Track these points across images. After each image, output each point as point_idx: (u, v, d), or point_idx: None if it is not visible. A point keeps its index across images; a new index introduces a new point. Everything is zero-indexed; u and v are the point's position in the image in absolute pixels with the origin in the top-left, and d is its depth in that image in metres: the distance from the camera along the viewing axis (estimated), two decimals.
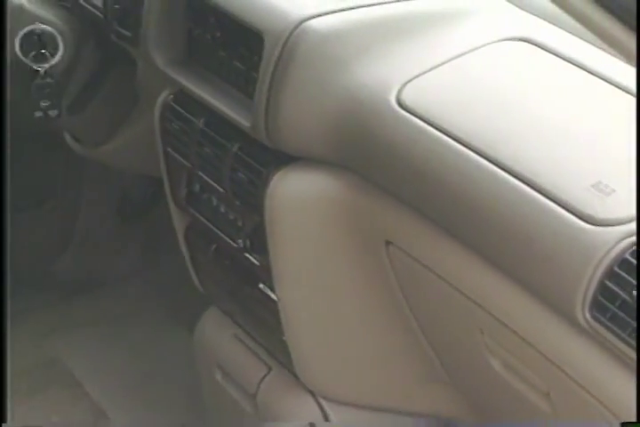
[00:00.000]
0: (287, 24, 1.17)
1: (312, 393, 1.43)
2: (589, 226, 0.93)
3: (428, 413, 1.45)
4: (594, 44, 1.18)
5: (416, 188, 1.11)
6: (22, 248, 2.05)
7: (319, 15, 1.18)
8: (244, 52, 1.27)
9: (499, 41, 1.19)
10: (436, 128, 1.07)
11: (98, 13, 1.48)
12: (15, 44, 1.45)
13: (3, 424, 1.06)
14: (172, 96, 1.40)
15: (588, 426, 1.10)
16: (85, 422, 1.78)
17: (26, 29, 1.45)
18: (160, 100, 1.41)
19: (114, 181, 2.07)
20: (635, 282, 0.89)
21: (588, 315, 0.93)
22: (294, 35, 1.16)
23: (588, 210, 0.94)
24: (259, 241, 1.31)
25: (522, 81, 1.13)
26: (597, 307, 0.92)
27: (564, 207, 0.95)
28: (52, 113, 1.51)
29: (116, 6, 1.43)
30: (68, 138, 1.75)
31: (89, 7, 1.50)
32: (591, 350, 0.98)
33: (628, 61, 1.15)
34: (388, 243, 1.20)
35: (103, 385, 1.88)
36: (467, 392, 1.36)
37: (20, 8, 1.46)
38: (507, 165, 1.01)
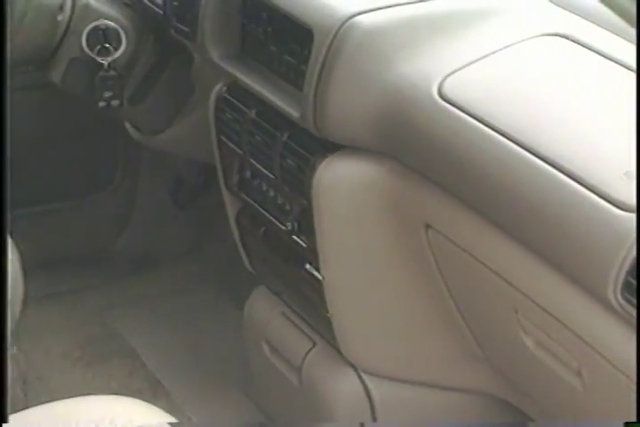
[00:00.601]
0: (335, 20, 1.17)
1: (354, 367, 1.43)
2: (622, 212, 0.93)
3: (462, 388, 1.45)
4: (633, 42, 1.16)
5: (455, 175, 1.11)
6: (84, 230, 2.08)
7: (365, 12, 1.17)
8: (294, 46, 1.27)
9: (536, 36, 1.18)
10: (476, 118, 1.07)
11: (158, 10, 1.49)
12: (82, 39, 1.46)
13: (3, 424, 1.00)
14: (225, 88, 1.40)
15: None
16: (142, 390, 1.79)
17: (91, 25, 1.46)
18: (214, 91, 1.42)
19: (168, 167, 2.07)
20: None
21: (619, 296, 0.93)
22: (342, 30, 1.16)
23: (622, 197, 0.93)
24: (305, 224, 1.31)
25: (558, 75, 1.12)
26: (628, 289, 0.91)
27: (597, 194, 0.95)
28: (115, 103, 1.52)
29: (175, 3, 1.44)
30: (128, 127, 1.76)
31: (149, 4, 1.51)
32: (621, 330, 0.97)
33: None
34: (427, 226, 1.20)
35: (158, 357, 1.88)
36: (501, 369, 1.36)
37: (86, 6, 1.47)
38: (543, 153, 1.00)
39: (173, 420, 1.23)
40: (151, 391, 1.78)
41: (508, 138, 1.03)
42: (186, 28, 1.42)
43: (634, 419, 0.93)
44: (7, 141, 1.04)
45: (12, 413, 1.22)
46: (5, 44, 1.09)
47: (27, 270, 1.54)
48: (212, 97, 1.42)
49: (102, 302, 2.01)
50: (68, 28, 1.46)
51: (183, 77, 1.57)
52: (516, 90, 1.11)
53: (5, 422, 0.96)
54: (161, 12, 1.48)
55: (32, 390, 1.65)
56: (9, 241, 1.55)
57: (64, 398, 1.24)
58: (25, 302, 1.55)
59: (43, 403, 1.24)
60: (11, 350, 1.56)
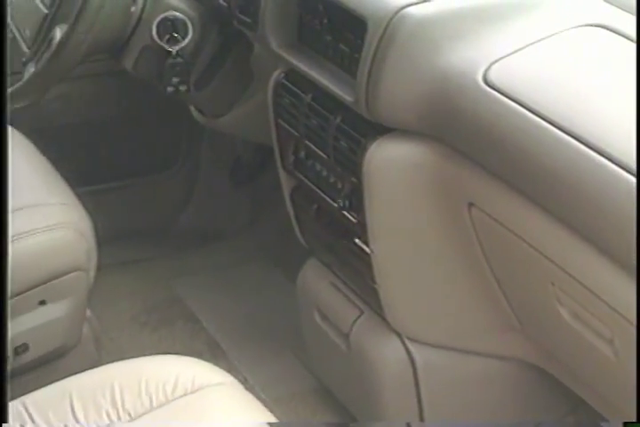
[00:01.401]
0: (387, 11, 1.15)
1: (398, 334, 1.43)
2: None
3: (499, 355, 1.44)
4: None
5: (498, 156, 1.09)
6: (150, 206, 2.10)
7: (416, 3, 1.16)
8: (348, 35, 1.26)
9: (577, 27, 1.15)
10: (519, 104, 1.05)
11: (222, 2, 1.48)
12: (152, 29, 1.46)
13: (3, 424, 0.95)
14: (283, 74, 1.40)
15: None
16: (203, 351, 1.80)
17: (161, 16, 1.46)
18: (273, 77, 1.41)
19: (228, 148, 2.09)
20: None
21: None
22: (394, 21, 1.14)
23: None
24: (356, 201, 1.31)
25: (597, 63, 1.10)
26: None
27: (632, 174, 0.93)
28: (182, 88, 1.52)
29: None
30: (192, 110, 1.76)
31: None
32: None
33: None
34: (470, 205, 1.19)
35: (218, 322, 1.90)
36: (536, 338, 1.35)
37: None
38: (583, 137, 0.99)
39: (232, 379, 1.24)
40: (210, 353, 1.80)
41: (549, 122, 1.01)
42: (248, 19, 1.42)
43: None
44: (7, 142, 0.99)
45: (87, 369, 1.25)
46: (5, 45, 1.05)
47: (100, 241, 1.57)
48: (271, 83, 1.41)
49: (167, 271, 2.03)
50: (140, 18, 1.47)
51: (244, 65, 1.57)
52: (557, 77, 1.09)
53: (5, 422, 0.91)
54: (225, 4, 1.47)
55: (104, 350, 1.68)
56: (84, 214, 1.57)
57: (133, 357, 1.26)
58: (98, 270, 1.57)
59: (114, 361, 1.25)
60: (83, 314, 1.59)
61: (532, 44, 1.13)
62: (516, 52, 1.12)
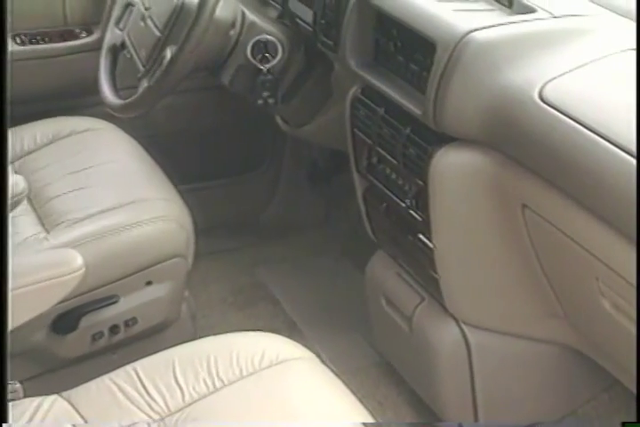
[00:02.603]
0: (455, 36, 1.16)
1: (455, 319, 1.43)
2: None
3: (543, 339, 1.43)
4: None
5: (549, 163, 1.09)
6: (239, 203, 2.10)
7: (479, 29, 1.16)
8: (418, 56, 1.26)
9: (620, 51, 1.15)
10: (571, 118, 1.05)
11: (308, 27, 1.50)
12: (247, 50, 1.48)
13: (3, 424, 0.86)
14: (360, 90, 1.40)
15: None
16: (281, 329, 1.81)
17: (255, 39, 1.47)
18: (351, 93, 1.42)
19: (306, 153, 2.08)
20: None
21: None
22: (460, 44, 1.15)
23: None
24: (421, 201, 1.30)
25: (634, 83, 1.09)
26: None
27: None
28: (271, 101, 1.52)
29: (322, 22, 1.44)
30: (278, 120, 1.77)
31: (302, 23, 1.52)
32: None
33: None
34: (524, 206, 1.18)
35: (295, 304, 1.90)
36: (577, 325, 1.34)
37: (253, 23, 1.49)
38: (626, 146, 0.98)
39: (310, 354, 1.25)
40: (288, 331, 1.80)
41: (597, 134, 1.01)
42: (330, 42, 1.43)
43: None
44: (7, 142, 0.92)
45: (185, 341, 1.27)
46: (5, 46, 0.97)
47: (196, 232, 1.58)
48: (349, 97, 1.42)
49: (252, 259, 2.03)
50: (237, 41, 1.48)
51: (325, 81, 1.57)
52: (604, 95, 1.08)
53: (5, 422, 0.83)
54: (310, 28, 1.49)
55: (199, 325, 1.69)
56: (184, 208, 1.59)
57: (222, 332, 1.27)
58: (195, 257, 1.59)
59: (207, 335, 1.27)
60: (182, 294, 1.61)
61: (581, 66, 1.13)
62: (567, 72, 1.12)
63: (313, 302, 1.90)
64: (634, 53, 1.13)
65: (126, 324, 1.50)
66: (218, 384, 1.16)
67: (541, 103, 1.08)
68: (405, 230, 1.40)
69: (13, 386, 1.17)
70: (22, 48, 1.76)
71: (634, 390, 1.30)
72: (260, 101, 1.53)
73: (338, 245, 2.04)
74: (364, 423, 1.11)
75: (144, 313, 1.51)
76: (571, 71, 1.12)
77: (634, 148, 0.97)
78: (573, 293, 1.25)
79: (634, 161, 0.96)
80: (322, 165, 2.09)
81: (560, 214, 1.12)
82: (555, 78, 1.11)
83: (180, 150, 1.87)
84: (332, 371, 1.22)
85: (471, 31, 1.15)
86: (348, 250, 2.01)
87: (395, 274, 1.54)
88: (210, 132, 1.97)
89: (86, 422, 1.13)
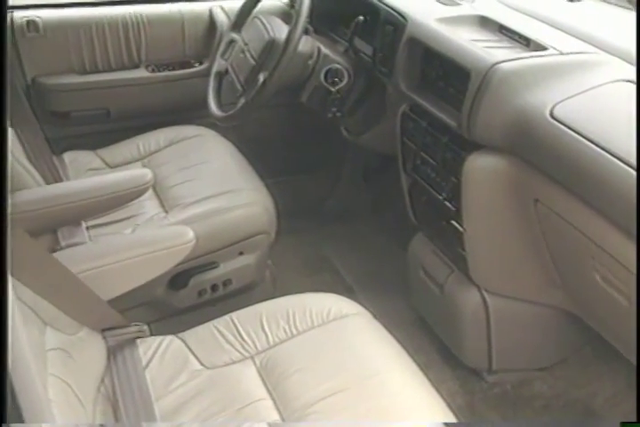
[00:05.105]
0: (485, 66, 1.16)
1: (478, 287, 1.43)
2: None
3: (547, 304, 1.41)
4: None
5: (560, 168, 1.09)
6: (308, 194, 2.08)
7: (505, 61, 1.16)
8: (455, 82, 1.27)
9: (615, 81, 1.14)
10: (575, 131, 1.05)
11: (368, 59, 1.50)
12: (321, 75, 1.49)
13: (3, 424, 0.71)
14: (408, 107, 1.41)
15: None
16: (342, 293, 1.78)
17: (328, 67, 1.49)
18: (401, 109, 1.43)
19: (361, 156, 2.07)
20: None
21: None
22: (489, 72, 1.15)
23: None
24: (455, 195, 1.31)
25: (630, 105, 1.07)
26: None
27: None
28: (338, 115, 1.54)
29: (380, 55, 1.45)
30: (342, 130, 1.77)
31: (364, 55, 1.52)
32: None
33: None
34: (536, 200, 1.18)
35: (352, 273, 1.89)
36: (574, 293, 1.33)
37: (326, 55, 1.50)
38: (624, 157, 0.97)
39: (365, 311, 1.25)
40: (347, 294, 1.76)
41: (598, 146, 1.00)
42: (385, 70, 1.43)
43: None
44: (7, 142, 0.79)
45: (268, 299, 1.27)
46: (6, 50, 0.86)
47: (277, 215, 1.58)
48: (400, 113, 1.42)
49: (318, 237, 2.02)
50: (313, 68, 1.49)
51: (380, 100, 1.57)
52: (604, 114, 1.08)
53: (5, 422, 0.71)
54: (370, 60, 1.49)
55: (278, 287, 1.70)
56: (269, 196, 1.60)
57: (298, 293, 1.28)
58: (276, 234, 1.61)
59: (285, 295, 1.28)
60: (266, 263, 1.62)
61: (583, 91, 1.12)
62: (573, 96, 1.12)
63: (365, 273, 1.89)
64: (625, 83, 1.12)
65: (224, 284, 1.52)
66: (294, 332, 1.18)
67: (552, 120, 1.08)
68: (441, 217, 1.41)
69: (141, 327, 1.20)
70: (153, 74, 1.79)
71: (616, 344, 1.28)
72: (329, 115, 1.54)
73: (386, 228, 2.02)
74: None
75: (237, 276, 1.53)
76: (575, 95, 1.11)
77: (626, 155, 0.96)
78: (572, 268, 1.24)
79: (624, 165, 0.95)
80: (374, 166, 2.08)
81: (565, 207, 1.11)
82: (563, 100, 1.11)
83: (267, 152, 1.87)
84: (381, 324, 1.22)
85: (498, 63, 1.15)
86: (394, 232, 1.99)
87: (431, 251, 1.55)
88: (289, 138, 1.98)
89: (195, 355, 1.17)
